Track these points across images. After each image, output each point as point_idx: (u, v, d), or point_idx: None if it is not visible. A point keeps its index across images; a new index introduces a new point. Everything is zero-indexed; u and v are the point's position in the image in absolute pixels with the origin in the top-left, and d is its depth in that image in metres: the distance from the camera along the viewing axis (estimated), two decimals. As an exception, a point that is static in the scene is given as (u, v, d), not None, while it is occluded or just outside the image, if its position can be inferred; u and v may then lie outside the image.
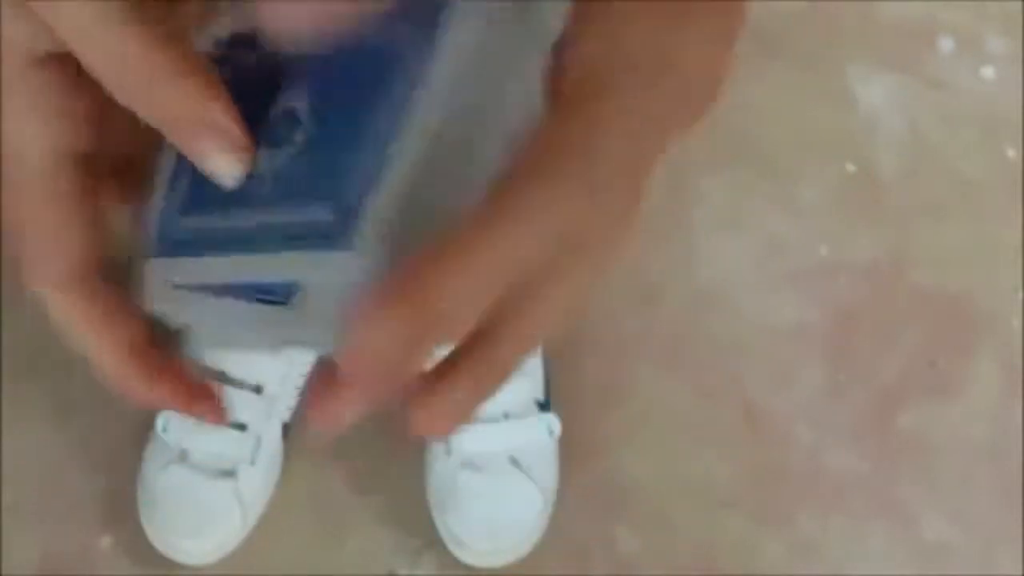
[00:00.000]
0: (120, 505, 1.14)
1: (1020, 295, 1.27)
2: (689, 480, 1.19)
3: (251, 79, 0.33)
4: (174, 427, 1.11)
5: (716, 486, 1.18)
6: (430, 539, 1.13)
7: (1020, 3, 1.39)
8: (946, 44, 1.38)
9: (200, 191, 0.33)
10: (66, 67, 0.30)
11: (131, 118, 0.30)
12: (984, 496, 1.20)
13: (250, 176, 0.32)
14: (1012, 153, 1.33)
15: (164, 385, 0.35)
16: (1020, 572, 1.16)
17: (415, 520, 1.14)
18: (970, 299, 1.26)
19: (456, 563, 1.12)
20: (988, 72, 1.37)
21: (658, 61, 0.30)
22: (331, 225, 0.29)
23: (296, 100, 0.32)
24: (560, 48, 0.31)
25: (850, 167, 1.32)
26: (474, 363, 0.30)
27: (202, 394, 0.35)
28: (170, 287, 0.34)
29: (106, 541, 1.15)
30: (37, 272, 0.33)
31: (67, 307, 0.34)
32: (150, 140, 0.32)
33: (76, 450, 1.17)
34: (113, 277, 0.35)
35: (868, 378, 1.23)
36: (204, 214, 0.33)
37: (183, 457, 1.11)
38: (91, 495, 1.16)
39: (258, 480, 1.12)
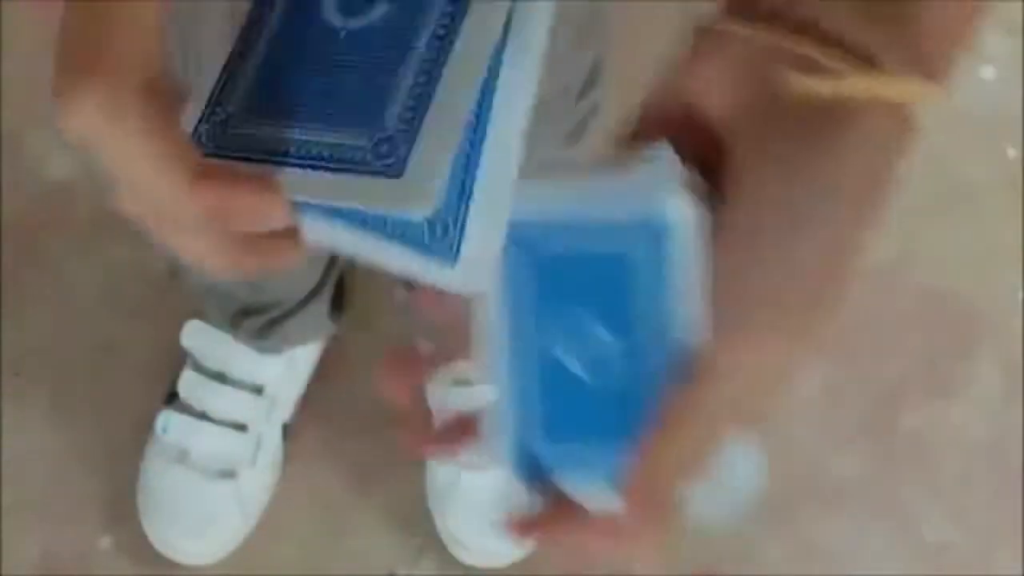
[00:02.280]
0: (120, 505, 1.14)
1: (1020, 295, 1.27)
2: (689, 480, 1.19)
3: None
4: (174, 427, 1.11)
5: (716, 486, 1.18)
6: (430, 539, 1.13)
7: (1020, 3, 1.39)
8: (946, 44, 1.38)
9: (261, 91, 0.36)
10: None
11: None
12: (984, 496, 1.19)
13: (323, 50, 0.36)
14: (1012, 153, 1.33)
15: (235, 193, 0.33)
16: (1020, 572, 1.16)
17: (415, 520, 1.14)
18: (970, 299, 1.26)
19: (456, 563, 1.12)
20: (988, 72, 1.37)
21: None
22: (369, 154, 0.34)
23: None
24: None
25: (850, 167, 1.32)
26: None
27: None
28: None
29: (106, 541, 1.15)
30: (115, 80, 0.30)
31: (142, 121, 0.30)
32: None
33: (76, 450, 1.17)
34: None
35: (868, 378, 1.23)
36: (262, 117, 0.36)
37: (183, 458, 1.11)
38: (91, 495, 1.16)
39: (258, 481, 1.12)
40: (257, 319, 1.06)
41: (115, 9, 0.30)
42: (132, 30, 0.30)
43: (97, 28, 0.29)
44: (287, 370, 1.13)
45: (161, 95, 0.31)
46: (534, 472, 0.41)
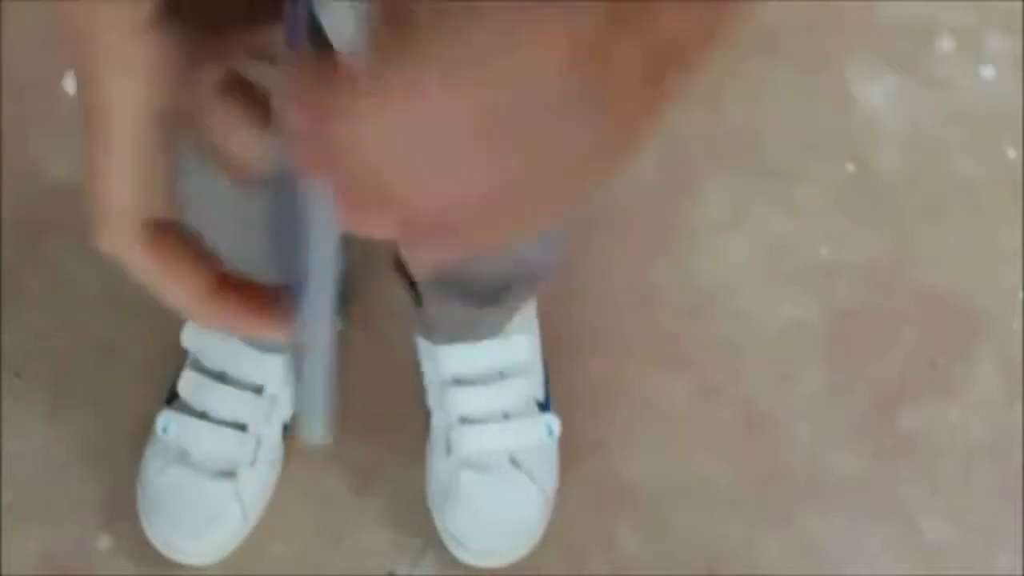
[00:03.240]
0: (120, 505, 1.14)
1: (1020, 295, 1.27)
2: (689, 480, 1.19)
3: None
4: (174, 427, 1.11)
5: (716, 486, 1.18)
6: (430, 539, 1.13)
7: (1020, 3, 1.39)
8: (946, 44, 1.38)
9: None
10: (162, 35, 0.33)
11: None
12: (984, 496, 1.20)
13: None
14: (1012, 153, 1.33)
15: (240, 318, 0.39)
16: (1020, 572, 1.16)
17: (415, 520, 1.14)
18: (970, 299, 1.26)
19: (456, 563, 1.12)
20: (988, 72, 1.37)
21: None
22: None
23: None
24: None
25: (850, 167, 1.32)
26: None
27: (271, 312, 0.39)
28: None
29: (106, 541, 1.15)
30: (116, 225, 0.35)
31: (147, 258, 0.36)
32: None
33: (76, 450, 1.17)
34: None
35: (868, 378, 1.23)
36: None
37: (183, 457, 1.11)
38: (91, 495, 1.16)
39: (258, 480, 1.12)
40: (257, 318, 1.05)
41: (101, 168, 0.34)
42: (120, 184, 0.34)
43: (93, 183, 0.35)
44: (287, 370, 1.13)
45: (165, 235, 0.36)
46: None
